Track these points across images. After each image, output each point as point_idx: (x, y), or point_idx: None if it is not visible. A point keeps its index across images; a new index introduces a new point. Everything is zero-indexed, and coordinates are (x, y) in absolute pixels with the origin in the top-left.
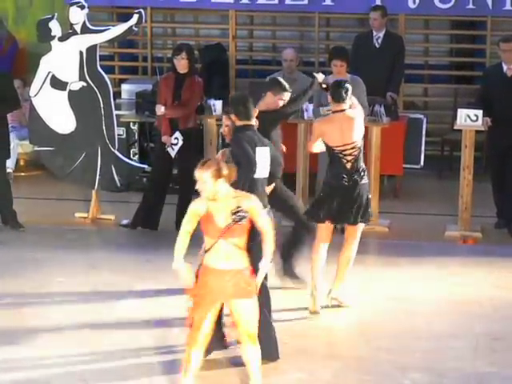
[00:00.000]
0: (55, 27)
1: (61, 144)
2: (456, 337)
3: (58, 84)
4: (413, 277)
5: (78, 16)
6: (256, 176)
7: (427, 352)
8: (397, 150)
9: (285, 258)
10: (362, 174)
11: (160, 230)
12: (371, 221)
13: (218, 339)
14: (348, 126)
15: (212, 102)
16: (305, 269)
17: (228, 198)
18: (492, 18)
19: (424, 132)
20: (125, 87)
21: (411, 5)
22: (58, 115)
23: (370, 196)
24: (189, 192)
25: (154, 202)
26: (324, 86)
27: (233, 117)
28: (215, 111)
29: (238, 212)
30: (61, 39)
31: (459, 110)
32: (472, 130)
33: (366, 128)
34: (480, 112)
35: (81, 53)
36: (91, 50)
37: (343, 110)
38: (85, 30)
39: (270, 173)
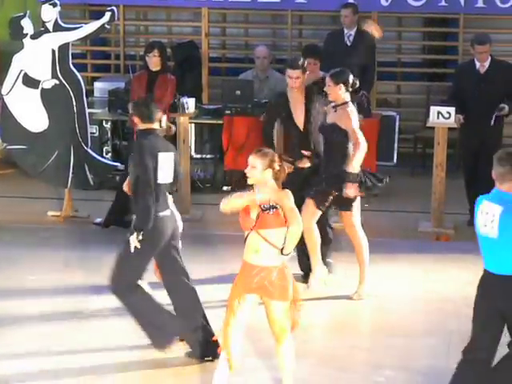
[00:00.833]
0: (27, 25)
1: (33, 142)
2: (430, 334)
3: (30, 82)
4: (386, 274)
5: (50, 14)
6: (160, 181)
7: (401, 349)
8: (370, 147)
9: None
10: None
11: None
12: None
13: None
14: None
15: (185, 99)
16: None
17: (268, 192)
18: (464, 15)
19: (397, 129)
20: (97, 85)
21: (384, 2)
22: (31, 113)
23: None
24: None
25: (127, 200)
26: None
27: (136, 119)
28: (188, 109)
29: (266, 203)
30: (33, 37)
31: (432, 108)
32: (444, 128)
33: None
34: (452, 109)
35: (53, 51)
36: (63, 47)
37: None
38: (57, 27)
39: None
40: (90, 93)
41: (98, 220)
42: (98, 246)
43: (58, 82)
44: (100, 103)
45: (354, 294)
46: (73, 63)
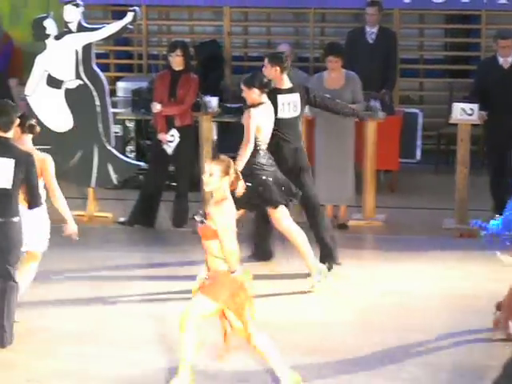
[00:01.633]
0: (50, 26)
1: (57, 142)
2: (453, 331)
3: (53, 82)
4: (409, 271)
5: (73, 14)
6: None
7: (424, 346)
8: (393, 144)
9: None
10: None
11: (156, 227)
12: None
13: None
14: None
15: (208, 98)
16: None
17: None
18: (486, 11)
19: (420, 126)
20: (120, 85)
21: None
22: (54, 114)
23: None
24: (185, 189)
25: (151, 199)
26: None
27: None
28: (211, 108)
29: (198, 213)
30: (56, 38)
31: (454, 104)
32: (468, 124)
33: (362, 123)
34: (476, 106)
35: (76, 51)
36: (87, 48)
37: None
38: (80, 28)
39: None
40: (113, 92)
41: (122, 219)
42: (122, 244)
43: (81, 82)
44: (123, 103)
45: (310, 287)
46: (96, 63)
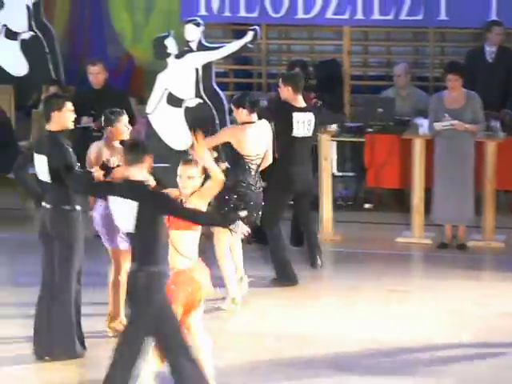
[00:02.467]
0: (171, 45)
1: (176, 160)
2: None
3: (174, 101)
4: None
5: (193, 33)
6: None
7: None
8: None
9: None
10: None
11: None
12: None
13: None
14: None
15: None
16: None
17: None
18: None
19: None
20: None
21: None
22: (174, 132)
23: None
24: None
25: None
26: None
27: None
28: (330, 127)
29: None
30: (177, 56)
31: None
32: None
33: (482, 143)
34: None
35: (196, 70)
36: (207, 66)
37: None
38: (200, 47)
39: None
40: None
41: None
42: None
43: (201, 100)
44: None
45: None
46: (216, 82)
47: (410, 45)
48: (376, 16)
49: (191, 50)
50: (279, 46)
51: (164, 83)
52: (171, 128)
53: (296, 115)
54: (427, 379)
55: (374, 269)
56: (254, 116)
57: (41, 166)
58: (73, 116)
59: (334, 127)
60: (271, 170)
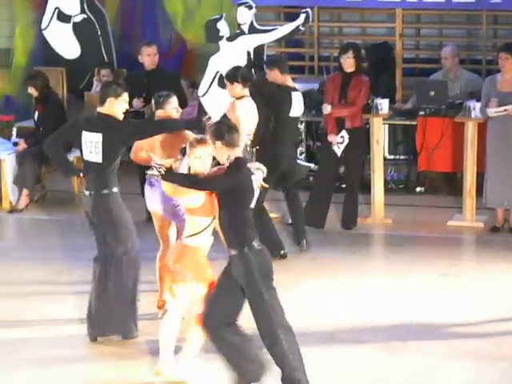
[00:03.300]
0: (223, 27)
1: None
2: None
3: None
4: None
5: (245, 16)
6: None
7: None
8: None
9: None
10: None
11: (326, 228)
12: None
13: None
14: None
15: (379, 101)
16: None
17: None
18: None
19: None
20: None
21: None
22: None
23: None
24: (355, 190)
25: (321, 200)
26: None
27: None
28: (381, 110)
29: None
30: (229, 39)
31: None
32: None
33: None
34: None
35: (248, 52)
36: (258, 49)
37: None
38: (252, 29)
39: None
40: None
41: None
42: (291, 245)
43: None
44: None
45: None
46: None
47: (463, 27)
48: None
49: (243, 33)
50: (331, 29)
51: (216, 66)
52: (223, 111)
53: (294, 94)
54: (482, 364)
55: (425, 252)
56: (247, 91)
57: (91, 145)
58: (125, 107)
59: (386, 110)
60: (262, 149)
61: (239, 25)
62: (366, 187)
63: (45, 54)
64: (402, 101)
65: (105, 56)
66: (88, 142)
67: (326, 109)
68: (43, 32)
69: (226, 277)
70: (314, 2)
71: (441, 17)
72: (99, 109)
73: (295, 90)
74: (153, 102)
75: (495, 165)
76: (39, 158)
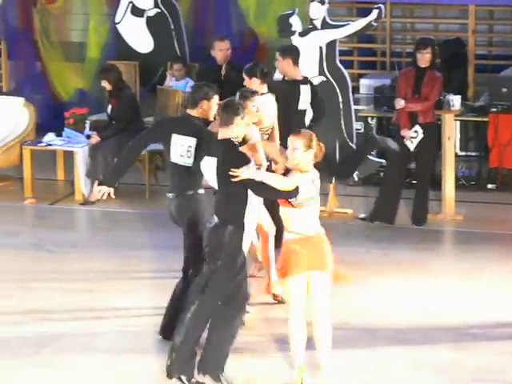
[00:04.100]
0: (296, 22)
1: None
2: None
3: None
4: None
5: (318, 11)
6: None
7: None
8: None
9: None
10: None
11: (396, 224)
12: None
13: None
14: None
15: (451, 97)
16: None
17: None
18: None
19: None
20: (364, 82)
21: None
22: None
23: None
24: (426, 187)
25: (391, 196)
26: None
27: None
28: (453, 106)
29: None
30: (301, 34)
31: None
32: None
33: None
34: None
35: (320, 48)
36: (331, 45)
37: None
38: (325, 25)
39: None
40: (355, 89)
41: (363, 215)
42: (361, 240)
43: (325, 78)
44: (366, 100)
45: None
46: (339, 60)
47: None
48: None
49: (315, 28)
50: (403, 25)
51: None
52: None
53: (303, 88)
54: None
55: (497, 250)
56: (265, 87)
57: (183, 148)
58: (216, 109)
59: (458, 106)
60: None
61: (312, 20)
62: (437, 183)
63: (118, 47)
64: (474, 97)
65: (177, 50)
66: (179, 145)
67: (399, 103)
68: (117, 26)
69: None
70: None
71: None
72: (190, 111)
73: (304, 82)
74: (238, 95)
75: None
76: (112, 150)
